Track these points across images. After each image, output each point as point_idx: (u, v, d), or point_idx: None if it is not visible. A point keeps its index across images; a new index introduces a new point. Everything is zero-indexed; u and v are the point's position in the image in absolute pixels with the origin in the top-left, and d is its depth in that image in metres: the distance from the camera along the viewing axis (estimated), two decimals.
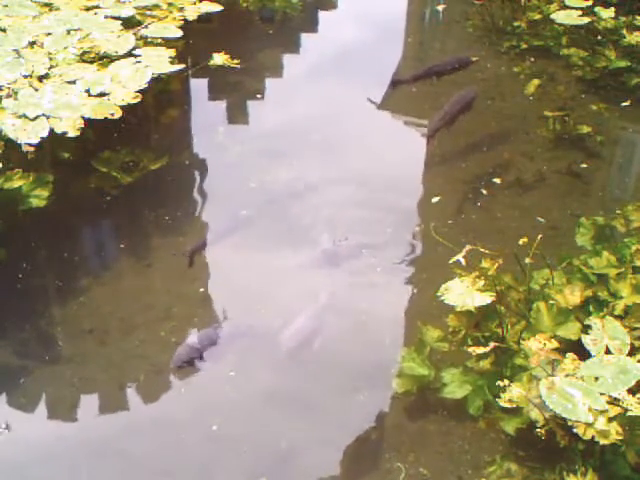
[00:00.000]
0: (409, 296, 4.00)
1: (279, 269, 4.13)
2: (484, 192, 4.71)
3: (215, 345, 3.66)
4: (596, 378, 2.94)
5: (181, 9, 6.03)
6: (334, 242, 4.26)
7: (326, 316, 3.81)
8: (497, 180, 4.82)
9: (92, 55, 5.19)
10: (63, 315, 3.87)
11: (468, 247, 3.39)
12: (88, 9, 5.75)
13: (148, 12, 5.85)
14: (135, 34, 5.48)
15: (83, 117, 4.58)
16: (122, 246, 4.35)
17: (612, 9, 6.44)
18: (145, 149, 4.87)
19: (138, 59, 5.19)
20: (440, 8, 7.25)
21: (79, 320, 3.81)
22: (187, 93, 5.85)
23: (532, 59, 6.19)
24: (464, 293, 3.30)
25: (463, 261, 3.35)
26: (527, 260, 3.52)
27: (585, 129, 5.21)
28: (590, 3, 6.51)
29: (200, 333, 3.69)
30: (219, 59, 5.75)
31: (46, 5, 5.75)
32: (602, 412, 2.83)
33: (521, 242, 3.49)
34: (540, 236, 3.46)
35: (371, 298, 3.96)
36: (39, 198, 4.19)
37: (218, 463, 3.20)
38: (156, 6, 5.96)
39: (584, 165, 4.97)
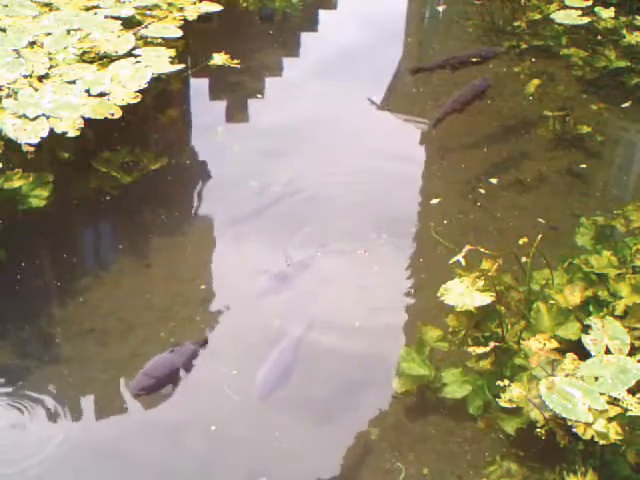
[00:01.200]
0: (409, 296, 4.00)
1: (277, 270, 4.13)
2: (484, 192, 4.71)
3: (174, 369, 3.50)
4: (596, 378, 2.94)
5: (181, 9, 6.02)
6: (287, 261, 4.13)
7: (300, 350, 3.69)
8: (497, 180, 4.82)
9: (92, 55, 5.18)
10: (63, 315, 3.87)
11: (468, 247, 3.39)
12: (88, 9, 5.74)
13: (148, 12, 5.84)
14: (135, 34, 5.47)
15: (83, 117, 4.57)
16: (122, 246, 4.35)
17: (612, 9, 6.44)
18: (145, 149, 4.87)
19: (138, 59, 5.18)
20: (441, 9, 7.25)
21: (79, 320, 3.81)
22: (187, 93, 5.85)
23: (532, 59, 6.19)
24: (464, 293, 3.30)
25: (463, 261, 3.35)
26: (524, 259, 3.51)
27: (585, 129, 5.21)
28: (590, 3, 6.51)
29: (156, 359, 3.52)
30: (219, 59, 5.74)
31: (46, 5, 5.74)
32: (602, 412, 2.83)
33: (521, 242, 3.49)
34: (540, 236, 3.46)
35: (371, 298, 3.96)
36: (39, 198, 4.18)
37: (218, 463, 3.20)
38: (156, 6, 5.95)
39: (584, 165, 4.98)
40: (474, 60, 5.86)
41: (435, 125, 5.19)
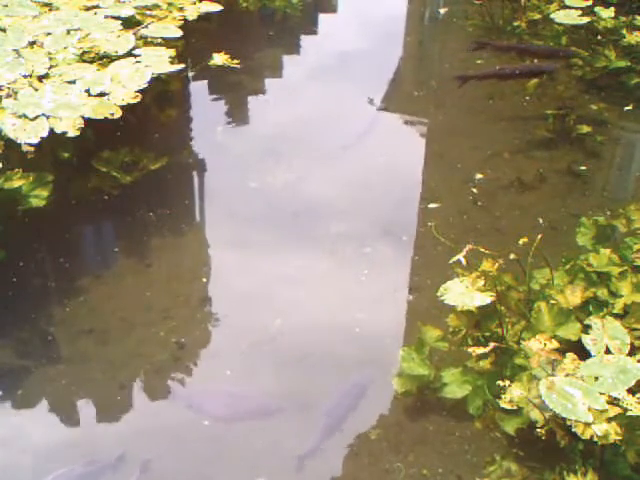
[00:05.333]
0: (409, 296, 4.00)
1: (277, 270, 4.13)
2: (484, 192, 4.71)
3: None
4: (596, 378, 2.95)
5: (181, 9, 6.03)
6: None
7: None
8: (497, 180, 4.82)
9: (92, 55, 5.19)
10: (63, 315, 3.86)
11: (469, 247, 3.38)
12: (88, 9, 5.75)
13: (148, 12, 5.85)
14: (135, 34, 5.48)
15: (83, 117, 4.58)
16: (122, 246, 4.35)
17: (612, 9, 6.44)
18: (145, 149, 4.87)
19: (138, 59, 5.18)
20: (442, 11, 7.24)
21: (79, 320, 3.81)
22: (187, 93, 5.85)
23: (532, 59, 6.18)
24: (464, 293, 3.30)
25: (464, 261, 3.35)
26: (512, 256, 3.50)
27: (585, 129, 5.21)
28: (590, 3, 6.50)
29: None
30: (219, 59, 5.74)
31: (46, 5, 5.75)
32: (602, 412, 2.83)
33: (521, 242, 3.49)
34: (540, 236, 3.46)
35: (371, 297, 3.96)
36: (39, 198, 4.18)
37: (218, 463, 3.20)
38: (156, 6, 5.95)
39: (584, 165, 4.97)
40: (542, 54, 5.89)
41: (461, 80, 5.13)
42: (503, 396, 3.02)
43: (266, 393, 3.47)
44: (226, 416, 3.37)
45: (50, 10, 5.69)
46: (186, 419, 3.35)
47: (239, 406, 3.44)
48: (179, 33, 5.64)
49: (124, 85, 4.89)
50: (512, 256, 3.45)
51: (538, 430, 2.94)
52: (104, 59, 5.16)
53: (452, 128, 5.36)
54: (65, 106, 4.63)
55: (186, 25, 5.83)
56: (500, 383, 3.05)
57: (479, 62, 6.08)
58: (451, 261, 3.42)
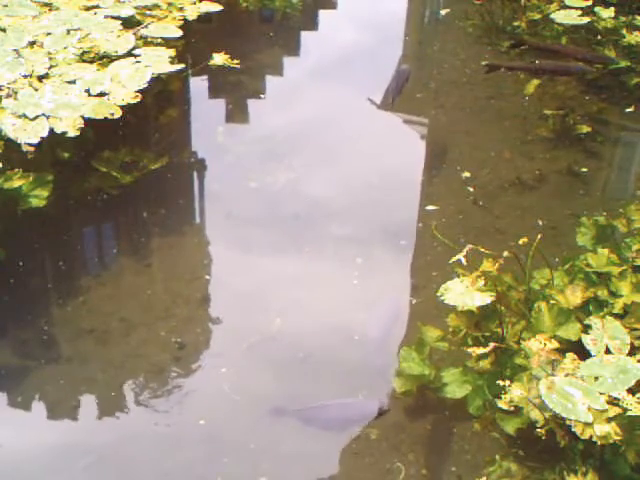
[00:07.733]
0: (409, 296, 4.00)
1: (277, 271, 4.13)
2: (484, 192, 4.71)
3: None
4: (596, 378, 2.95)
5: (181, 9, 6.04)
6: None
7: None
8: (497, 180, 4.82)
9: (92, 55, 5.20)
10: (63, 315, 3.86)
11: (469, 246, 3.38)
12: (88, 9, 5.75)
13: (148, 12, 5.86)
14: (135, 34, 5.48)
15: (83, 117, 4.58)
16: (122, 246, 4.35)
17: (612, 9, 6.44)
18: (145, 149, 4.87)
19: (138, 59, 5.19)
20: (443, 12, 7.24)
21: (79, 320, 3.81)
22: (187, 93, 5.85)
23: (532, 59, 6.19)
24: (464, 293, 3.29)
25: (464, 260, 3.35)
26: (506, 253, 3.50)
27: (585, 129, 5.21)
28: (590, 3, 6.51)
29: None
30: (219, 59, 5.74)
31: (46, 5, 5.75)
32: (602, 412, 2.83)
33: (521, 242, 3.49)
34: (540, 236, 3.46)
35: (370, 297, 3.96)
36: (39, 198, 4.18)
37: (218, 464, 3.20)
38: (156, 6, 5.96)
39: (584, 165, 4.97)
40: (583, 59, 5.93)
41: (491, 69, 5.15)
42: (503, 396, 3.02)
43: (264, 395, 3.47)
44: (338, 426, 3.36)
45: (50, 10, 5.70)
46: (186, 420, 3.35)
47: (348, 414, 3.42)
48: (179, 33, 5.65)
49: (124, 85, 4.89)
50: (505, 253, 3.44)
51: (538, 430, 2.94)
52: (104, 59, 5.16)
53: (452, 128, 5.36)
54: (65, 106, 4.63)
55: (186, 25, 5.83)
56: (500, 383, 3.05)
57: (483, 63, 6.07)
58: (451, 261, 3.42)
